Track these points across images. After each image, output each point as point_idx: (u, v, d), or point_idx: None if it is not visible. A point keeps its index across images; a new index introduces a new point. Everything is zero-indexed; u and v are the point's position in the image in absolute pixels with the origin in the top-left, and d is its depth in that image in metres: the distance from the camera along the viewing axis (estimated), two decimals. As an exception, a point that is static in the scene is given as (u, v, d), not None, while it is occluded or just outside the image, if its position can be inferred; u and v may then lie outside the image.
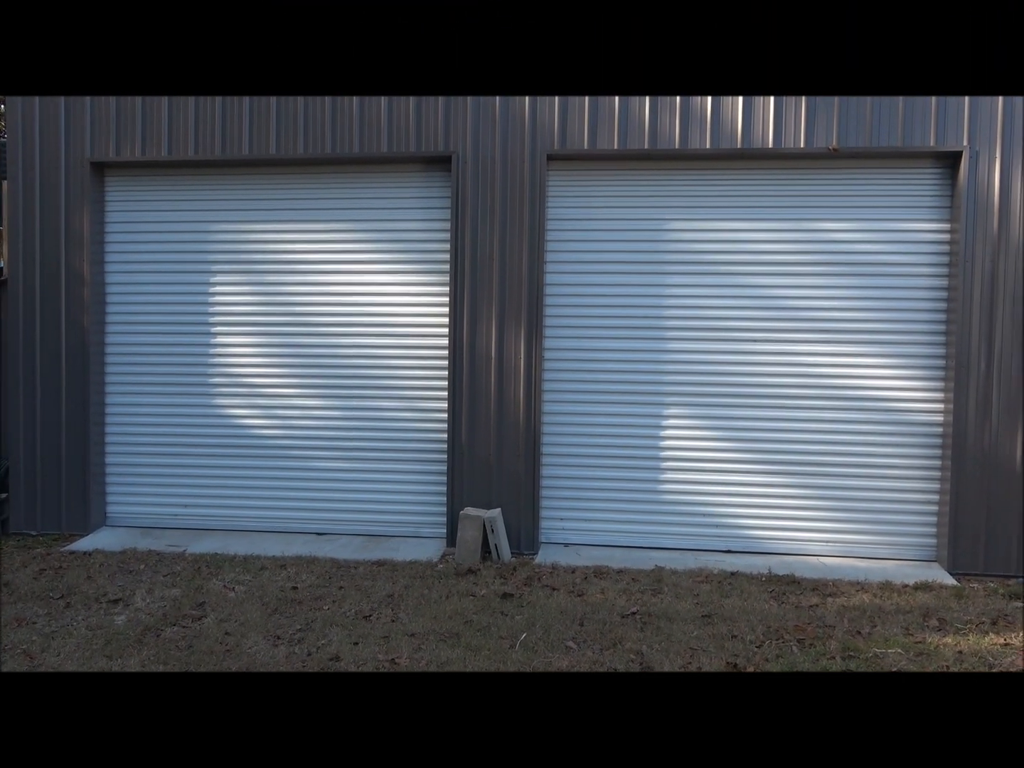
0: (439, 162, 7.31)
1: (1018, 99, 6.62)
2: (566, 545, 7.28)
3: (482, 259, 7.14)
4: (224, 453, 7.71)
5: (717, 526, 7.22)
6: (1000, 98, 6.63)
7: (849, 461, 7.07)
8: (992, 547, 6.74)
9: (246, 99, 7.32)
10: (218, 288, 7.69)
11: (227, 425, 7.71)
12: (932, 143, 6.74)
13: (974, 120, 6.68)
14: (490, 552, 6.89)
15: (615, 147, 7.00)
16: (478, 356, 7.17)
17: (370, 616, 5.45)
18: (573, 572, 6.51)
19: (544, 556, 6.98)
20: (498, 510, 7.03)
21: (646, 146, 6.97)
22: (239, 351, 7.68)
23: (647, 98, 6.95)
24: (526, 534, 7.17)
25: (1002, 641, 5.16)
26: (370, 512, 7.56)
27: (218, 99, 7.34)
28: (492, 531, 6.86)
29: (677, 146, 6.96)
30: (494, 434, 7.17)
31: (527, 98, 7.05)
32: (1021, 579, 6.64)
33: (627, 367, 7.26)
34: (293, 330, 7.62)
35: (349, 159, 7.36)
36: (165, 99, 7.41)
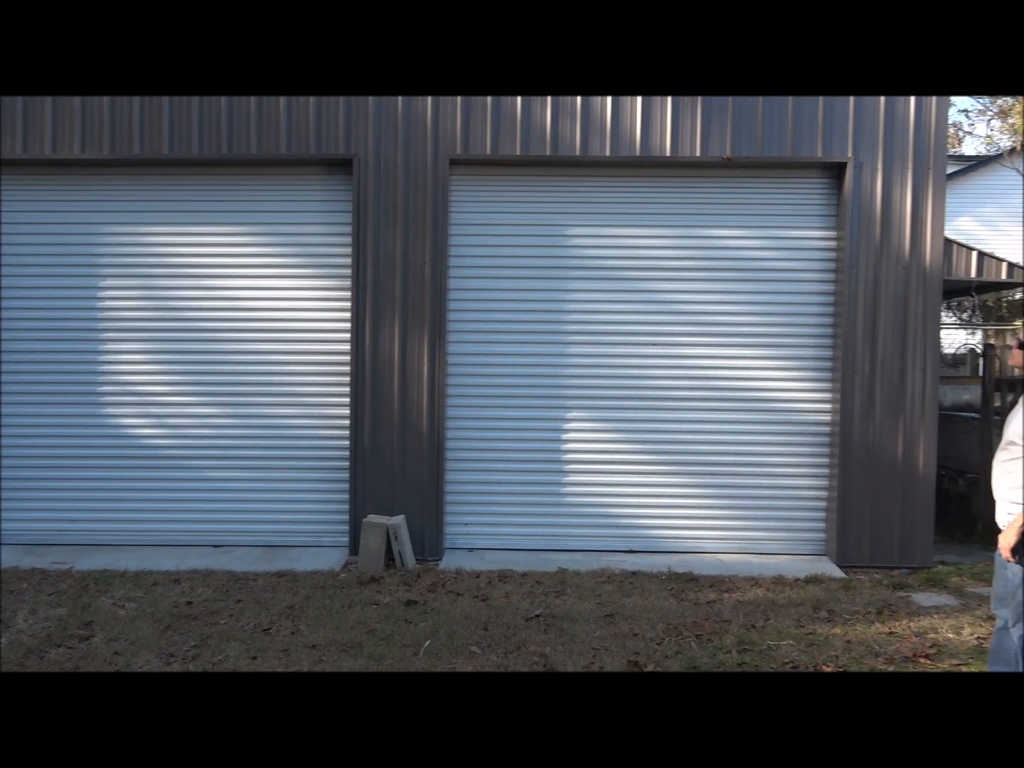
0: (340, 165, 7.20)
1: (899, 112, 6.97)
2: (471, 550, 7.27)
3: (385, 264, 7.07)
4: (114, 464, 7.40)
5: (619, 527, 7.33)
6: (882, 110, 6.97)
7: (743, 460, 7.30)
8: (876, 540, 7.07)
9: (136, 96, 7.06)
10: (108, 293, 7.38)
11: (117, 435, 7.41)
12: (819, 154, 7.03)
13: (858, 132, 7.00)
14: (394, 559, 6.82)
15: (517, 153, 7.04)
16: (381, 361, 7.10)
17: (269, 629, 5.32)
18: (478, 577, 6.51)
19: (449, 561, 6.96)
20: (402, 517, 6.97)
21: (548, 152, 7.04)
22: (130, 358, 7.39)
23: (548, 104, 7.02)
24: (430, 540, 7.13)
25: (887, 630, 5.41)
26: (269, 522, 7.38)
27: (106, 97, 7.05)
28: (396, 538, 6.80)
29: (578, 153, 7.05)
30: (397, 440, 7.10)
31: (429, 102, 7.03)
32: (904, 570, 6.98)
33: (530, 371, 7.31)
34: (187, 336, 7.37)
35: (246, 160, 7.18)
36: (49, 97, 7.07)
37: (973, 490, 8.45)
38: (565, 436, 7.33)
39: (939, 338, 7.08)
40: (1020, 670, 3.90)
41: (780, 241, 7.26)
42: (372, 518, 6.86)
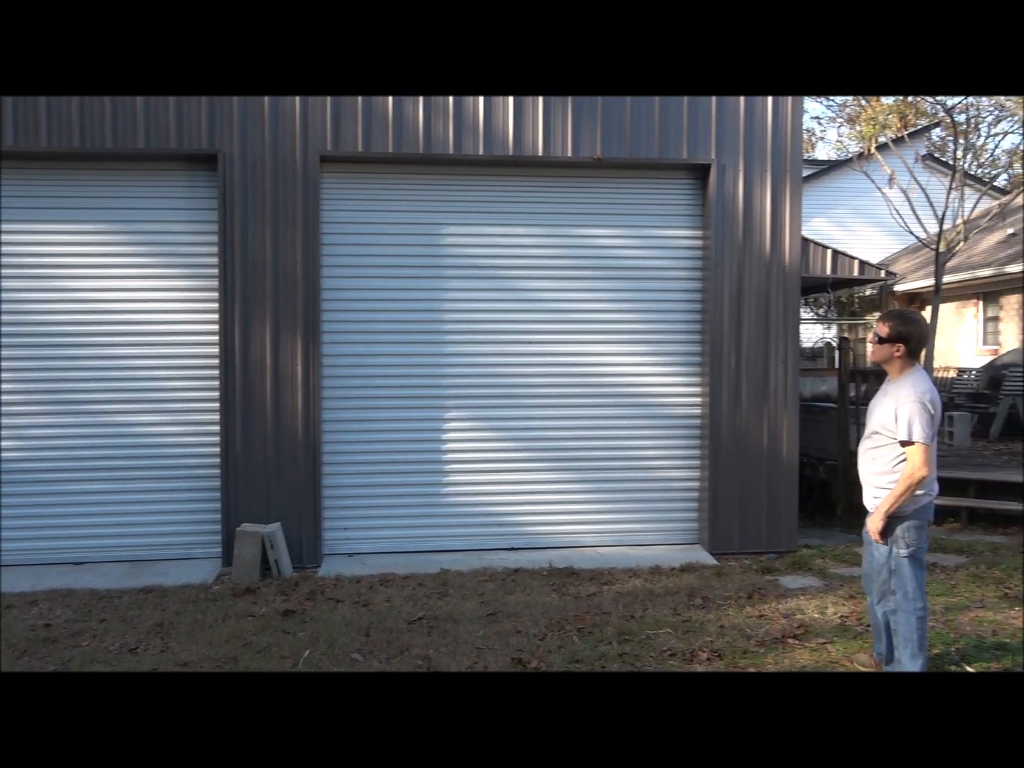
0: (204, 161, 6.91)
1: (757, 115, 7.27)
2: (351, 555, 7.14)
3: (254, 263, 6.84)
4: (-41, 480, 6.86)
5: (500, 525, 7.36)
6: (742, 114, 7.25)
7: (619, 455, 7.46)
8: (746, 527, 7.36)
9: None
10: (-54, 295, 6.83)
11: (-38, 448, 6.87)
12: (685, 155, 7.25)
13: (721, 135, 7.26)
14: (270, 569, 6.61)
15: (390, 150, 6.95)
16: (252, 365, 6.86)
17: (136, 649, 5.05)
18: (358, 582, 6.39)
19: (328, 568, 6.80)
20: (277, 524, 6.76)
21: (421, 150, 6.98)
22: (-26, 365, 6.86)
23: (420, 102, 6.96)
24: (309, 547, 6.95)
25: (757, 613, 5.63)
26: (135, 536, 7.01)
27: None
28: (271, 546, 6.59)
29: (451, 151, 7.02)
30: (271, 445, 6.89)
31: (297, 97, 6.84)
32: (771, 555, 7.30)
33: (408, 372, 7.23)
34: (37, 341, 6.91)
35: (101, 154, 6.79)
36: None
37: (832, 476, 8.93)
38: (444, 436, 7.30)
39: (799, 332, 7.44)
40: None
41: (650, 240, 7.46)
42: (246, 527, 6.62)
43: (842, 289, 11.09)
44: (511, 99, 7.05)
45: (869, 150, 14.01)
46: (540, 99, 7.06)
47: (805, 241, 7.94)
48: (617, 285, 7.44)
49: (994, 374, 12.46)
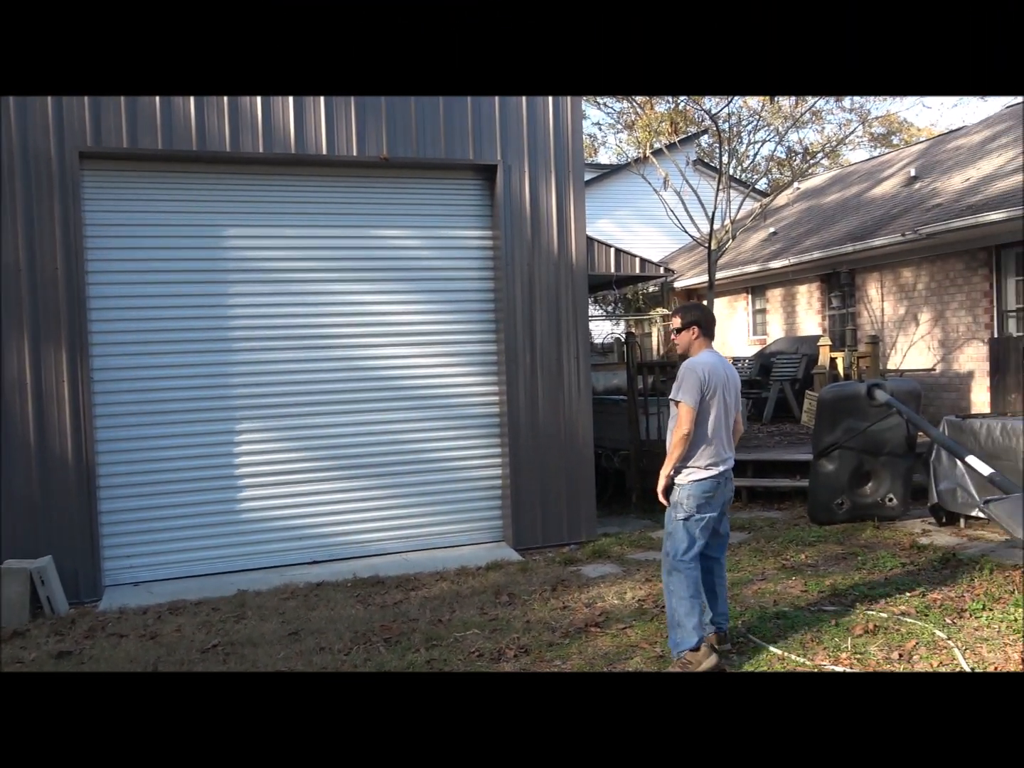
0: (-63, 155, 6.13)
1: (539, 117, 7.43)
2: (136, 584, 6.59)
3: (6, 269, 6.15)
4: None
5: (301, 538, 7.06)
6: (524, 116, 7.38)
7: (420, 457, 7.38)
8: (548, 521, 7.51)
9: None
10: None
11: None
12: (471, 156, 7.28)
13: (505, 136, 7.36)
14: (42, 607, 5.97)
15: (159, 147, 6.47)
16: (8, 383, 6.17)
17: None
18: (145, 613, 5.90)
19: (110, 601, 6.24)
20: (48, 558, 6.12)
21: (194, 147, 6.56)
22: None
23: (192, 97, 6.53)
24: (86, 579, 6.34)
25: (561, 605, 5.73)
26: None
27: None
28: (42, 583, 5.95)
29: (228, 148, 6.65)
30: (37, 471, 6.22)
31: (49, 87, 6.21)
32: (573, 546, 7.49)
33: (192, 383, 6.78)
34: None
35: None
36: None
37: (626, 465, 9.31)
38: (236, 449, 6.91)
39: (588, 328, 7.70)
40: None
41: (441, 240, 7.43)
42: (11, 563, 5.94)
43: (627, 286, 11.64)
44: (291, 96, 6.78)
45: (645, 154, 14.80)
46: (322, 96, 6.84)
47: (590, 240, 8.22)
48: (410, 286, 7.36)
49: (764, 362, 13.53)
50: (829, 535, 6.88)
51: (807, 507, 7.38)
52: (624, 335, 8.88)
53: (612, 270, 8.34)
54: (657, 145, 15.61)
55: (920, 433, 6.98)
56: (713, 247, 10.45)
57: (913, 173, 14.45)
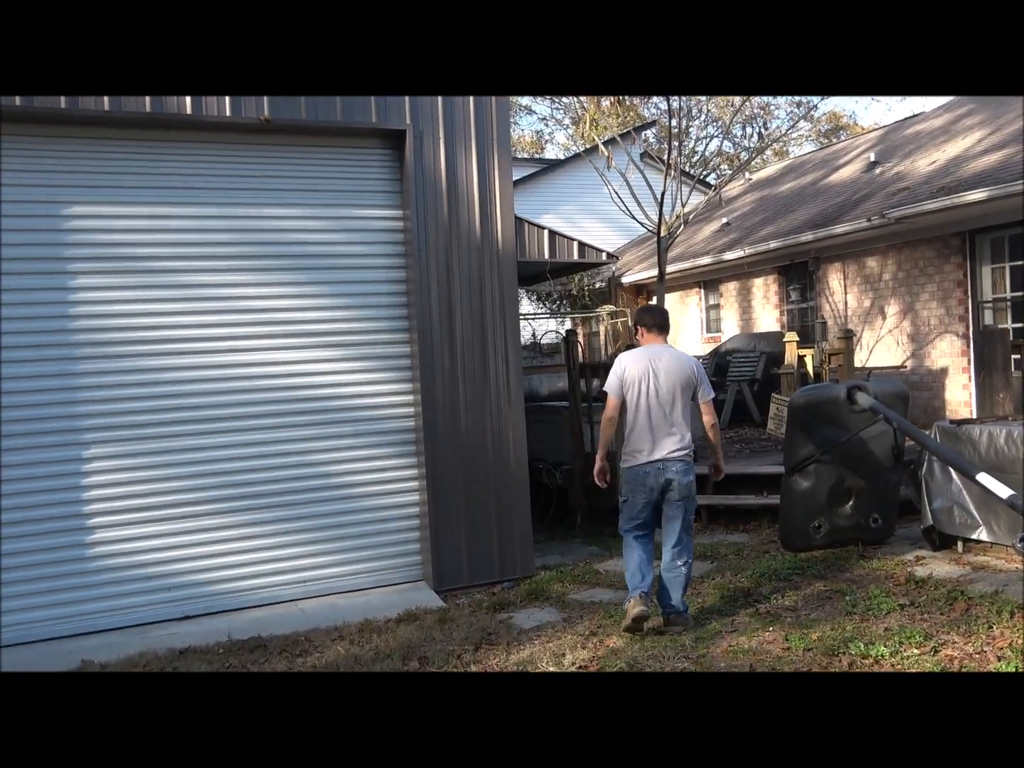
0: None
1: (455, 77, 6.23)
2: (-51, 656, 5.21)
3: None
4: None
5: (170, 588, 5.73)
6: (437, 75, 6.17)
7: (320, 483, 6.11)
8: (475, 554, 6.30)
9: None
10: None
11: None
12: (374, 120, 6.06)
13: (415, 97, 6.13)
14: None
15: (-29, 103, 5.12)
16: None
17: None
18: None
19: (-94, 682, 4.85)
20: None
21: (18, 102, 5.21)
22: None
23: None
24: None
25: (484, 671, 4.53)
26: None
27: None
28: None
29: (64, 105, 5.33)
30: None
31: None
32: (507, 583, 6.29)
33: (21, 401, 5.42)
34: None
35: None
36: None
37: (569, 482, 8.13)
38: (84, 481, 5.55)
39: (518, 324, 6.52)
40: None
41: (341, 222, 6.18)
42: None
43: (565, 276, 10.48)
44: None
45: (595, 144, 13.73)
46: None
47: (520, 221, 7.05)
48: (303, 277, 6.09)
49: (720, 361, 12.49)
50: (807, 566, 5.77)
51: (779, 530, 6.26)
52: (564, 333, 7.69)
53: (546, 256, 7.17)
54: (606, 137, 14.62)
55: (908, 441, 5.92)
56: (663, 234, 9.36)
57: (873, 158, 13.56)
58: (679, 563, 4.83)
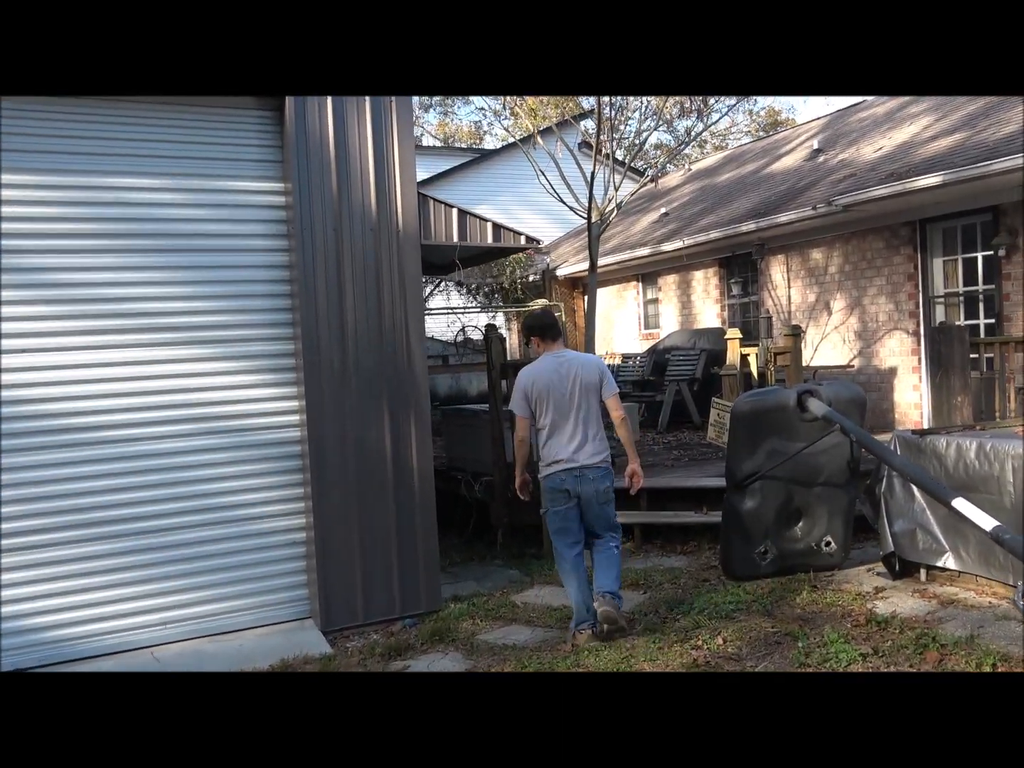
0: None
1: (345, 27, 5.29)
2: None
3: None
4: None
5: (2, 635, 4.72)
6: (325, 24, 5.24)
7: (185, 506, 5.13)
8: (372, 587, 5.39)
9: None
10: None
11: None
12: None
13: (298, 50, 5.18)
14: None
15: None
16: None
17: None
18: None
19: None
20: None
21: None
22: None
23: None
24: None
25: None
26: None
27: None
28: None
29: None
30: None
31: None
32: (408, 620, 5.40)
33: None
34: None
35: None
36: None
37: (490, 495, 7.28)
38: None
39: (423, 316, 5.63)
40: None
41: (210, 196, 5.20)
42: None
43: (481, 263, 9.60)
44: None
45: (534, 134, 12.88)
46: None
47: (423, 198, 6.13)
48: (165, 260, 5.11)
49: (658, 359, 11.75)
50: (752, 599, 4.99)
51: (720, 555, 5.50)
52: (484, 328, 6.84)
53: (455, 239, 6.27)
54: (544, 126, 13.79)
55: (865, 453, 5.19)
56: (594, 220, 8.54)
57: (816, 146, 12.97)
58: (612, 544, 4.74)
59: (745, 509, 5.11)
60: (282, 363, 5.38)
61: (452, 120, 35.84)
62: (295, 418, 5.40)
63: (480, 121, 35.75)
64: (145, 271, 5.07)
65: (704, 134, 30.59)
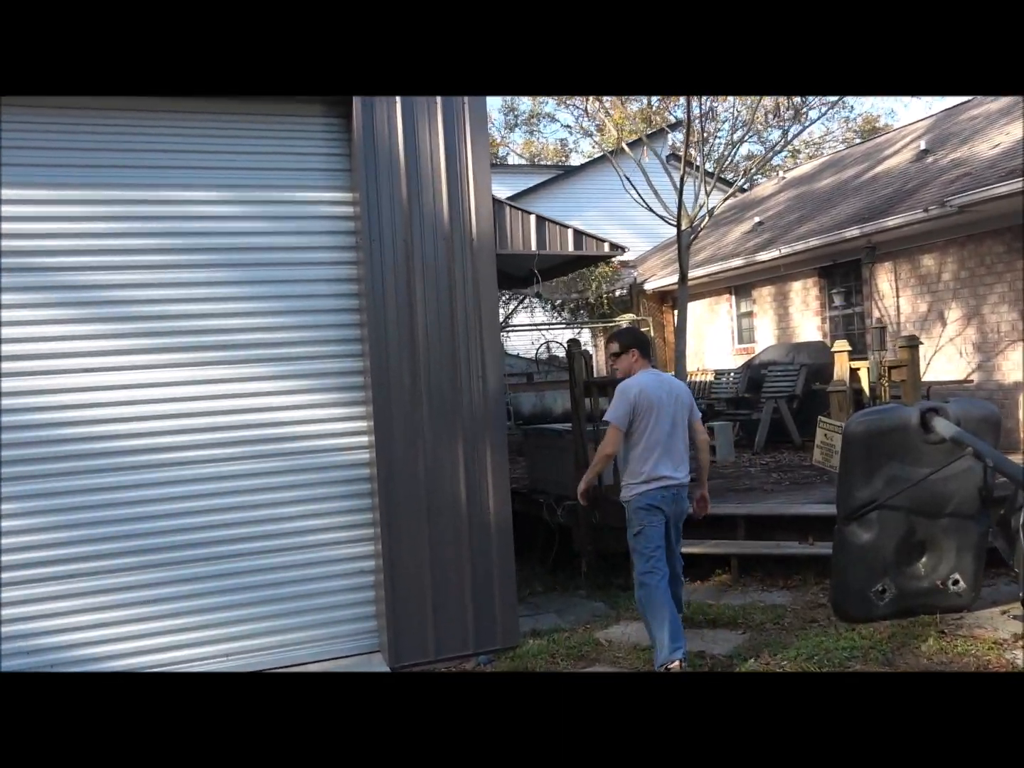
0: None
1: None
2: None
3: None
4: None
5: (52, 665, 4.53)
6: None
7: (246, 532, 4.87)
8: (444, 620, 5.02)
9: None
10: None
11: None
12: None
13: (365, 51, 4.91)
14: None
15: None
16: None
17: None
18: None
19: None
20: None
21: None
22: None
23: None
24: None
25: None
26: None
27: None
28: None
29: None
30: None
31: None
32: (483, 658, 5.01)
33: None
34: None
35: None
36: None
37: (573, 519, 6.83)
38: (-62, 534, 4.38)
39: (498, 331, 5.25)
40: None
41: (273, 207, 4.97)
42: None
43: (561, 275, 9.17)
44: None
45: (621, 148, 12.47)
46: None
47: (499, 204, 5.77)
48: (226, 275, 4.89)
49: (753, 375, 11.11)
50: (869, 645, 4.40)
51: (831, 594, 4.88)
52: (567, 344, 6.44)
53: (533, 247, 5.88)
54: (632, 140, 13.39)
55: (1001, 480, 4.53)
56: (684, 227, 8.03)
57: (923, 147, 12.12)
58: (682, 577, 4.76)
59: (860, 542, 4.46)
60: (350, 381, 5.09)
61: (538, 138, 35.78)
62: (363, 439, 5.09)
63: (566, 139, 35.59)
64: (206, 287, 4.86)
65: (797, 144, 29.58)
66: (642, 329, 13.08)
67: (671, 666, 4.23)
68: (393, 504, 4.96)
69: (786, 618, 5.07)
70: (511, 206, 5.82)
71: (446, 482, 5.06)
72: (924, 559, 4.67)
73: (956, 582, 4.71)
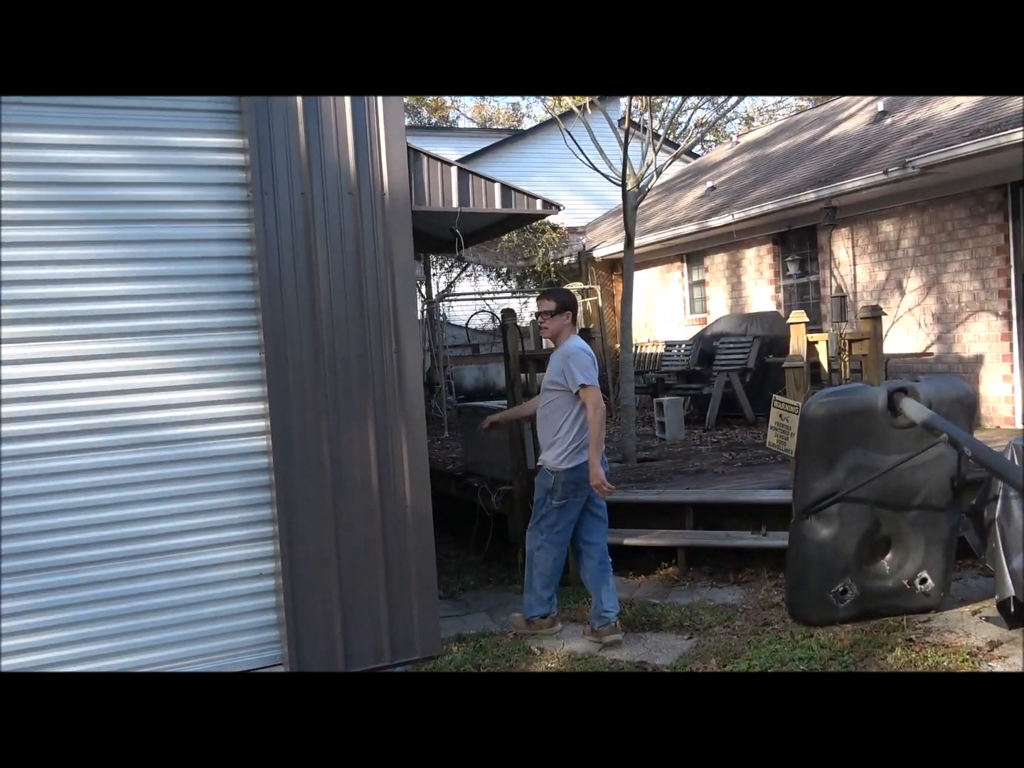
0: None
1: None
2: None
3: None
4: None
5: None
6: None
7: (117, 535, 4.19)
8: (354, 628, 4.44)
9: None
10: None
11: None
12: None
13: (255, -29, 4.18)
14: None
15: None
16: None
17: None
18: None
19: None
20: None
21: None
22: None
23: None
24: None
25: None
26: None
27: None
28: None
29: None
30: None
31: None
32: (398, 669, 4.43)
33: None
34: None
35: None
36: None
37: (508, 506, 6.27)
38: None
39: (415, 299, 4.61)
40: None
41: (147, 153, 4.24)
42: None
43: (492, 236, 8.52)
44: None
45: (571, 111, 11.81)
46: None
47: (415, 153, 5.10)
48: (93, 233, 4.17)
49: (705, 347, 10.62)
50: (829, 655, 3.91)
51: (786, 593, 4.41)
52: (500, 315, 5.84)
53: (454, 204, 5.22)
54: (582, 103, 12.74)
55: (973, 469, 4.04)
56: (630, 187, 7.43)
57: (881, 108, 11.65)
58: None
59: (819, 539, 4.01)
60: (242, 358, 4.40)
61: (489, 102, 34.86)
62: (259, 424, 4.43)
63: (518, 103, 34.73)
64: (70, 247, 4.13)
65: (751, 111, 29.08)
66: (591, 299, 12.56)
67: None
68: (293, 497, 4.34)
69: (737, 620, 4.56)
70: (429, 156, 5.14)
71: (355, 471, 4.45)
72: (889, 556, 4.18)
73: (924, 581, 4.22)
